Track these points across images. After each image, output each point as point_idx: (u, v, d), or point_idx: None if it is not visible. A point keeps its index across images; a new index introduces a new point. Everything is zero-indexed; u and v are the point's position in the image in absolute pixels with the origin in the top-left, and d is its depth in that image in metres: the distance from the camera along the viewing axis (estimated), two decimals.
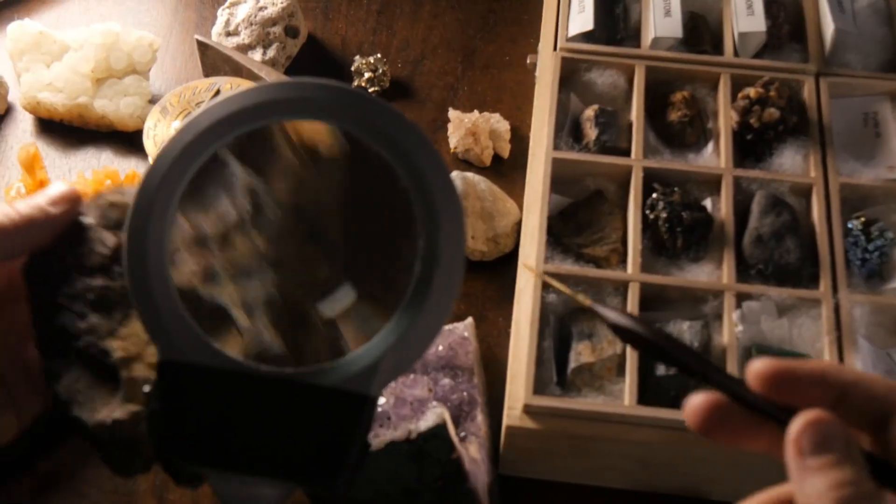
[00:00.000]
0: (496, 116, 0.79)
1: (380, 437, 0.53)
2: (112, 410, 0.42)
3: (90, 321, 0.43)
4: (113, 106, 0.77)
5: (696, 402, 0.37)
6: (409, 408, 0.56)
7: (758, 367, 0.36)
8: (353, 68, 0.82)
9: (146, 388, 0.41)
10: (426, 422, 0.51)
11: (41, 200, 0.43)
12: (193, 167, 0.41)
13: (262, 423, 0.40)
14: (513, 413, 0.58)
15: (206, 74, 0.81)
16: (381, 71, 0.81)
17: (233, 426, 0.40)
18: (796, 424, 0.34)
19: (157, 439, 0.40)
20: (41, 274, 0.44)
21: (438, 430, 0.51)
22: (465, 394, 0.60)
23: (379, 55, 0.82)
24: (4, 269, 0.44)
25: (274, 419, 0.40)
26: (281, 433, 0.40)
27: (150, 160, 0.73)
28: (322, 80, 0.42)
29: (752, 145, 0.69)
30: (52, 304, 0.44)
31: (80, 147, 0.79)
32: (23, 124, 0.80)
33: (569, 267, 0.63)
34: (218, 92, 0.75)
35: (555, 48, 0.75)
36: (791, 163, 0.68)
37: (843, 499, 0.32)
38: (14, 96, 0.81)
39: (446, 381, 0.60)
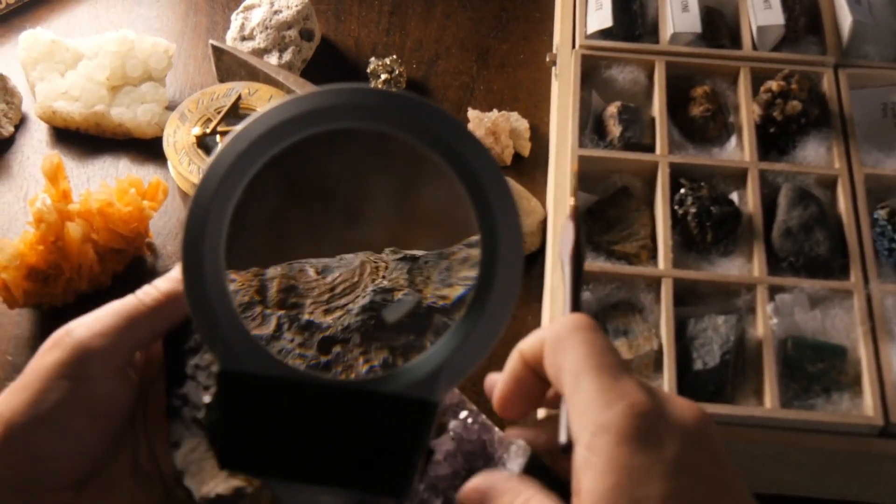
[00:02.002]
0: (514, 115, 0.79)
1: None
2: (217, 484, 0.41)
3: (212, 392, 0.43)
4: (130, 113, 0.76)
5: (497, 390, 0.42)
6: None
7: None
8: (369, 70, 0.81)
9: (206, 400, 0.41)
10: (517, 461, 0.51)
11: (177, 273, 0.44)
12: (248, 175, 0.41)
13: (325, 431, 0.40)
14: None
15: (221, 79, 0.81)
16: (397, 72, 0.81)
17: (296, 435, 0.40)
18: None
19: (220, 451, 0.40)
20: (176, 345, 0.45)
21: (535, 462, 0.51)
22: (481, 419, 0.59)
23: (394, 56, 0.82)
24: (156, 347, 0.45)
25: (337, 427, 0.40)
26: (345, 441, 0.40)
27: (172, 164, 0.72)
28: (375, 87, 0.41)
29: (775, 138, 0.70)
30: (182, 374, 0.44)
31: (97, 155, 0.78)
32: (38, 134, 0.79)
33: (601, 264, 0.63)
34: (239, 98, 0.74)
35: (573, 46, 0.75)
36: (815, 155, 0.68)
37: None
38: (27, 106, 0.80)
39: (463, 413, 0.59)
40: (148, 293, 0.43)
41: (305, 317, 0.44)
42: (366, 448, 0.40)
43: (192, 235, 0.41)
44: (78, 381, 0.40)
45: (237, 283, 0.45)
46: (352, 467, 0.40)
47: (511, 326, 0.71)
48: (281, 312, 0.45)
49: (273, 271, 0.45)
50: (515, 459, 0.53)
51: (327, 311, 0.45)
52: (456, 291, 0.45)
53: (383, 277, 0.45)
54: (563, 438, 0.40)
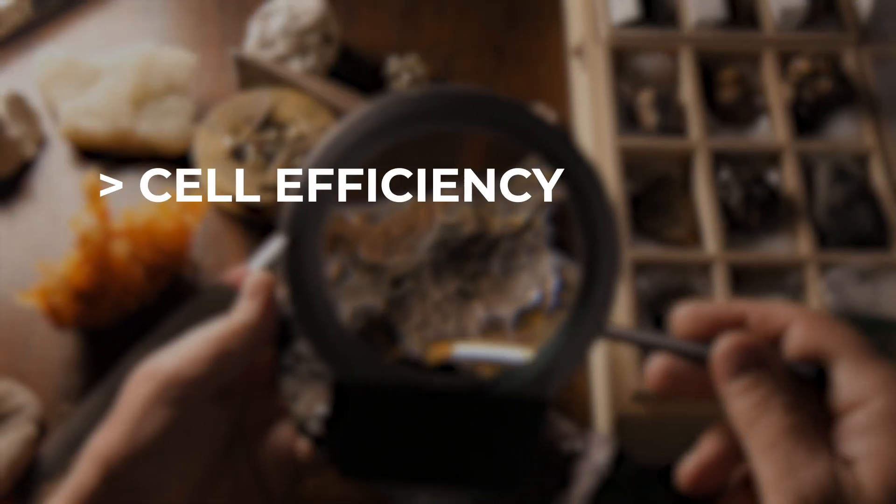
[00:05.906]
0: (540, 109, 0.79)
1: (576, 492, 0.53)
2: None
3: (324, 403, 0.44)
4: (157, 128, 0.75)
5: (652, 369, 0.39)
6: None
7: (677, 315, 0.39)
8: (391, 71, 0.81)
9: (320, 411, 0.40)
10: (602, 455, 0.52)
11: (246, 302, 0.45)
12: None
13: (440, 435, 0.40)
14: (622, 401, 0.58)
15: (243, 88, 0.80)
16: (419, 72, 0.81)
17: (413, 440, 0.40)
18: (714, 353, 0.36)
19: (339, 461, 0.40)
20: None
21: (618, 452, 0.52)
22: None
23: (415, 56, 0.82)
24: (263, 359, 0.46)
25: (453, 430, 0.40)
26: (461, 443, 0.40)
27: (205, 176, 0.71)
28: (465, 88, 0.41)
29: (805, 118, 0.71)
30: (292, 335, 0.46)
31: (122, 172, 0.77)
32: (60, 154, 0.78)
33: (652, 250, 0.64)
34: (271, 107, 0.74)
35: (598, 37, 0.75)
36: (846, 132, 0.70)
37: (759, 417, 0.35)
38: (46, 126, 0.79)
39: None
40: (228, 324, 0.43)
41: (365, 260, 0.46)
42: (483, 448, 0.40)
43: (291, 247, 0.40)
44: (175, 407, 0.40)
45: None
46: (470, 468, 0.40)
47: None
48: (342, 257, 0.46)
49: None
50: (600, 450, 0.53)
51: (387, 255, 0.46)
52: (521, 218, 0.47)
53: (448, 214, 0.46)
54: None
